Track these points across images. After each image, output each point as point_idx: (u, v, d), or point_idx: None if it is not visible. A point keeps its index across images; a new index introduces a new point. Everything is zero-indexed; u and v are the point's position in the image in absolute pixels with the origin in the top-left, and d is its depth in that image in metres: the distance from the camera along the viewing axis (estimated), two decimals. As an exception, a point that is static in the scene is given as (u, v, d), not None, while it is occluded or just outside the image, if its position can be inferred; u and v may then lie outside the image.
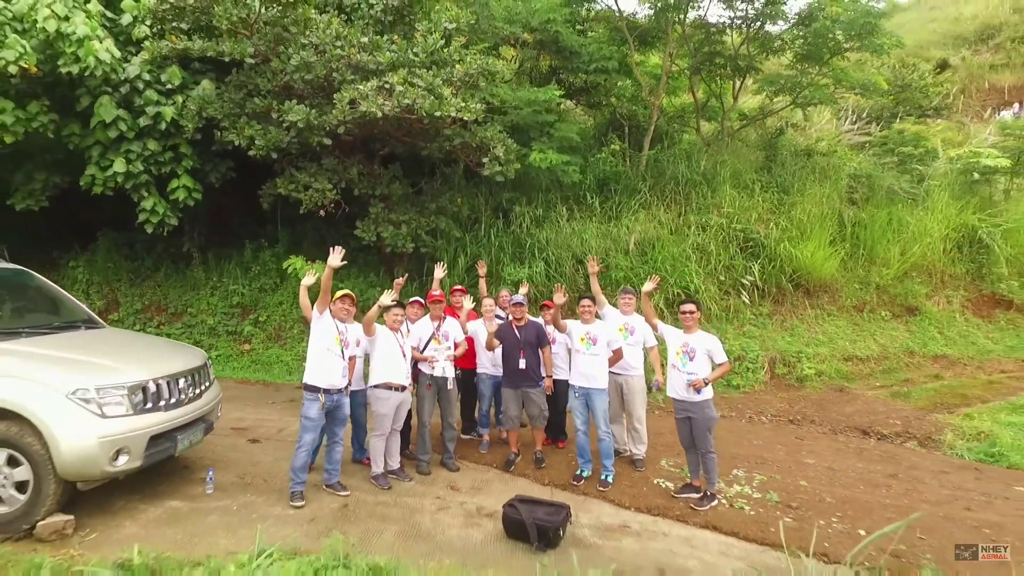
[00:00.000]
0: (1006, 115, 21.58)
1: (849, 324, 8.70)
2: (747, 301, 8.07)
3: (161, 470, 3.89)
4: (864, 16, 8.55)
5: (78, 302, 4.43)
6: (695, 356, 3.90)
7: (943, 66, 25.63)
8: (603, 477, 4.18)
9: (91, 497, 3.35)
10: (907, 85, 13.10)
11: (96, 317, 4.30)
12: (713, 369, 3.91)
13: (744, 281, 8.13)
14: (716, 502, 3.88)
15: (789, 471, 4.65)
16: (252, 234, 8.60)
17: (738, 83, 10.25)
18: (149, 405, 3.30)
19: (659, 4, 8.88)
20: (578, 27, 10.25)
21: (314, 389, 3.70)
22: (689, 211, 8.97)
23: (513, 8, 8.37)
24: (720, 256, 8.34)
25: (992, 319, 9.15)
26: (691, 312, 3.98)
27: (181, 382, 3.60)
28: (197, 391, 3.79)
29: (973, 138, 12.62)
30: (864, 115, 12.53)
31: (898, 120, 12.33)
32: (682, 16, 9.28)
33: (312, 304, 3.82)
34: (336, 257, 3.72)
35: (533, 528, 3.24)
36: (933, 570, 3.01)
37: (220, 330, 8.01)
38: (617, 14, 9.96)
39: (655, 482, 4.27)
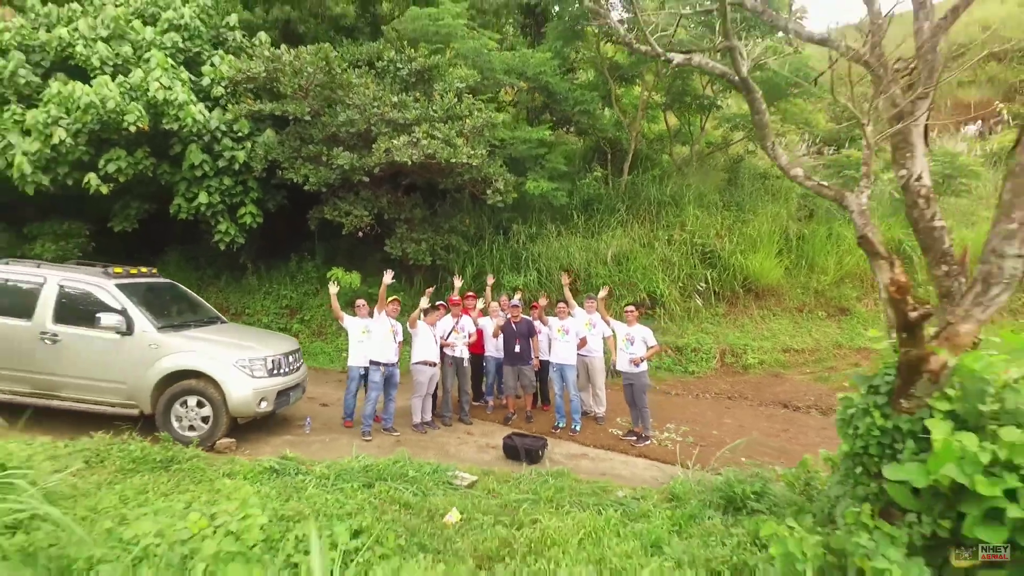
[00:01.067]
0: (969, 131, 23.38)
1: (791, 322, 10.54)
2: (701, 304, 9.91)
3: (274, 419, 5.74)
4: (801, 68, 10.40)
5: (206, 303, 6.30)
6: (634, 342, 5.75)
7: (911, 84, 27.47)
8: (573, 427, 6.04)
9: (243, 430, 5.21)
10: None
11: (219, 314, 6.18)
12: (647, 350, 5.75)
13: (700, 287, 9.97)
14: (648, 442, 5.73)
15: (708, 426, 6.50)
16: (296, 248, 10.45)
17: (703, 117, 12.11)
18: (275, 372, 5.16)
19: (632, 57, 10.71)
20: (568, 68, 12.10)
21: (377, 364, 5.56)
22: (658, 228, 10.83)
23: (511, 61, 10.22)
24: (683, 266, 10.19)
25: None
26: (631, 311, 5.83)
27: (289, 358, 5.47)
28: (296, 365, 5.65)
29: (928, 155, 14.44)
30: (818, 140, 14.35)
31: (847, 145, 14.13)
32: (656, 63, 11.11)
33: (341, 308, 5.70)
34: (388, 277, 5.58)
35: (523, 451, 5.09)
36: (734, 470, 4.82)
37: (273, 327, 9.86)
38: (599, 59, 11.81)
39: (609, 431, 6.13)
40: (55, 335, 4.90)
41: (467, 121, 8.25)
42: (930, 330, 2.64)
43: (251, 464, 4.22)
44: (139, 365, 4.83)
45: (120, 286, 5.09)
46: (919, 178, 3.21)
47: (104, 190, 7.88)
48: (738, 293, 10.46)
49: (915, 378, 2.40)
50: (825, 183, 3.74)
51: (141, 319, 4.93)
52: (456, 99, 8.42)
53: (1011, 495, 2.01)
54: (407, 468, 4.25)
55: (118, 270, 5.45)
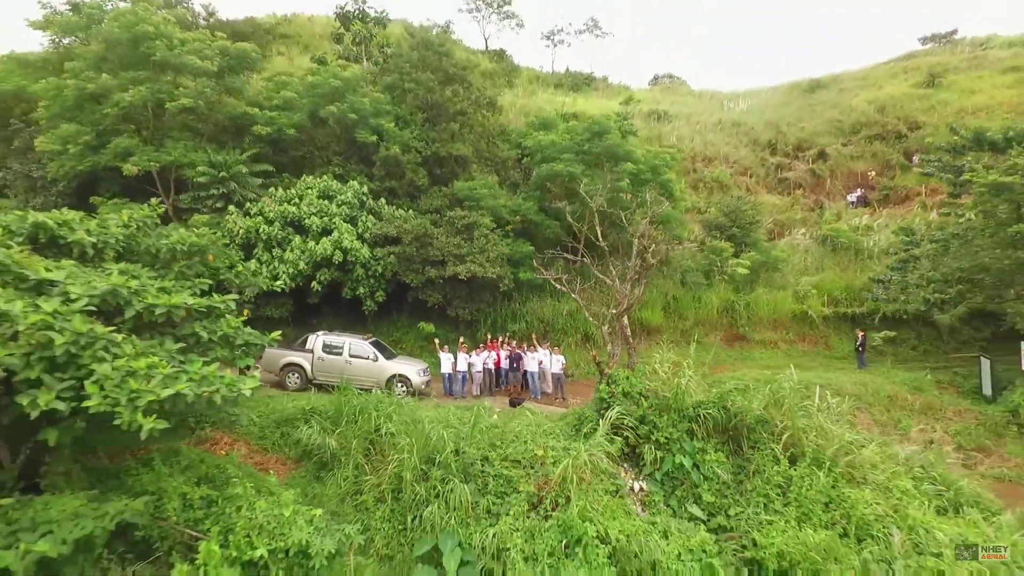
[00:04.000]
0: (851, 198, 32.38)
1: (666, 349, 19.55)
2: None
3: (419, 394, 14.83)
4: (653, 174, 19.37)
5: (389, 347, 15.45)
6: (556, 361, 14.84)
7: (821, 154, 36.60)
8: (534, 396, 15.15)
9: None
10: (734, 211, 23.88)
11: (394, 351, 15.33)
12: (562, 364, 14.83)
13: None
14: (562, 401, 14.83)
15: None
16: (399, 309, 19.53)
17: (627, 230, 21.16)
18: (423, 373, 14.31)
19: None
20: (542, 202, 21.13)
21: (458, 371, 14.69)
22: (595, 294, 19.88)
23: (511, 204, 19.26)
24: (604, 316, 19.26)
25: (733, 346, 20.05)
26: (555, 348, 14.95)
27: (426, 368, 14.61)
28: (427, 371, 14.80)
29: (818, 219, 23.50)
30: (708, 227, 23.36)
31: (724, 234, 23.10)
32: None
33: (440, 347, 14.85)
34: (463, 343, 14.74)
35: (514, 403, 14.22)
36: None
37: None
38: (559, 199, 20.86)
39: (554, 400, 15.22)
40: (349, 361, 13.98)
41: (491, 252, 17.37)
42: (608, 364, 11.74)
43: (432, 402, 13.29)
44: (379, 372, 13.91)
45: (369, 341, 14.20)
46: (625, 325, 12.31)
47: (318, 288, 17.00)
48: (636, 331, 19.50)
49: (603, 376, 11.51)
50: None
51: (376, 354, 14.01)
52: (484, 239, 17.54)
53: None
54: (474, 408, 13.32)
55: (368, 335, 14.56)
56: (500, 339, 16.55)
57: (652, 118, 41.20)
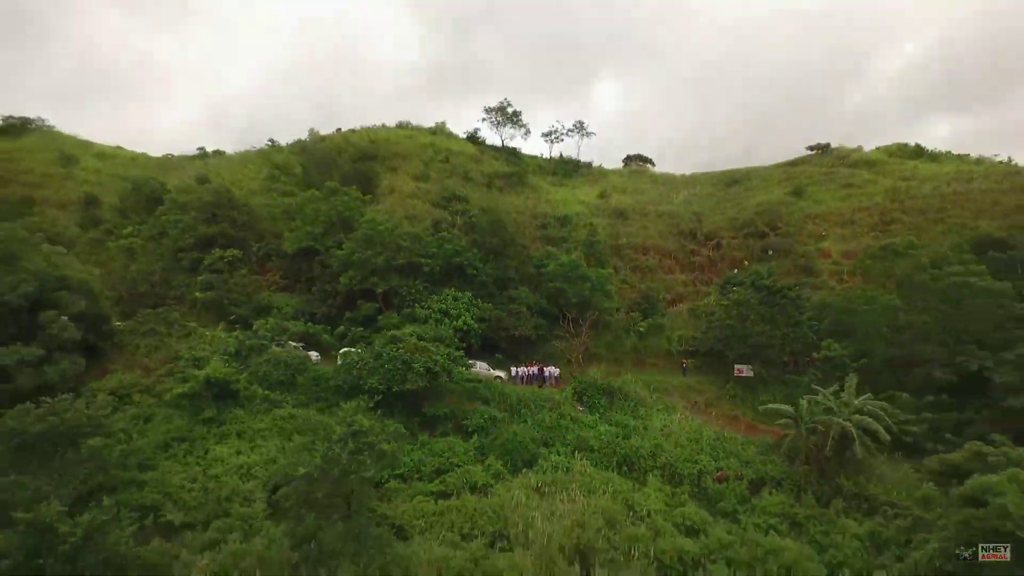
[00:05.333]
0: (735, 272, 55.18)
1: (599, 367, 42.00)
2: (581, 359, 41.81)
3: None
4: (601, 284, 42.02)
5: (490, 364, 37.84)
6: (555, 370, 37.35)
7: (718, 245, 59.51)
8: (548, 385, 37.64)
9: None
10: (646, 295, 46.54)
11: (492, 366, 37.77)
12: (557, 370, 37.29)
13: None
14: (560, 387, 37.33)
15: (572, 386, 38.16)
16: (492, 349, 41.81)
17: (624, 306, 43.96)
18: (505, 375, 36.75)
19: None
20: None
21: (519, 374, 37.16)
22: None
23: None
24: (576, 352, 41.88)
25: (637, 367, 42.54)
26: (555, 365, 37.52)
27: (507, 373, 37.09)
28: (506, 374, 37.28)
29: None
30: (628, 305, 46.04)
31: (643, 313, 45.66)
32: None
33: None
34: (519, 363, 37.32)
35: (540, 386, 36.71)
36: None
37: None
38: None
39: (553, 388, 37.64)
40: (479, 370, 36.26)
41: (526, 324, 39.93)
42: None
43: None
44: (487, 374, 36.09)
45: (483, 362, 36.56)
46: (580, 356, 34.91)
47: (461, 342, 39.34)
48: (588, 358, 41.98)
49: (573, 377, 34.10)
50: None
51: (488, 367, 36.26)
52: (524, 318, 40.07)
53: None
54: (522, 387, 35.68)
55: (483, 360, 36.91)
56: (532, 361, 38.72)
57: (616, 215, 63.89)
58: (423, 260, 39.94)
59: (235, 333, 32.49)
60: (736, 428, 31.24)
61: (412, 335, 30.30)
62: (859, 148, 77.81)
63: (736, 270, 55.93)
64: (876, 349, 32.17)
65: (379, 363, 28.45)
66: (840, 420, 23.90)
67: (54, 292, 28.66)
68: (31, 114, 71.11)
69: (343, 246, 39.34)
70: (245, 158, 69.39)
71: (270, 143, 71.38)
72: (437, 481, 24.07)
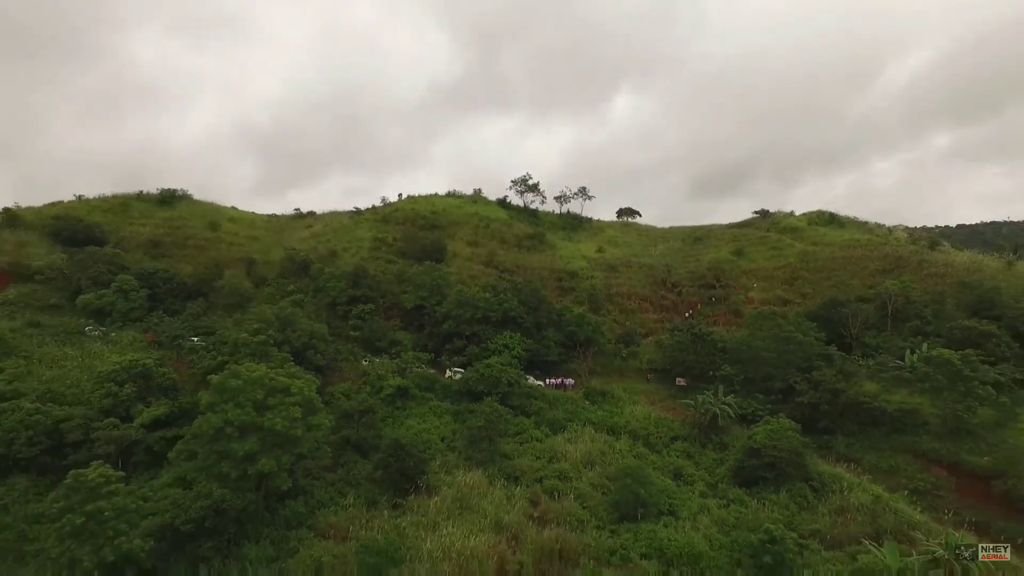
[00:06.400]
0: (687, 315, 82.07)
1: (597, 380, 68.26)
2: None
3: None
4: (581, 319, 68.66)
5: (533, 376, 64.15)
6: (572, 382, 63.68)
7: (680, 292, 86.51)
8: (565, 388, 63.96)
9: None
10: (628, 332, 72.85)
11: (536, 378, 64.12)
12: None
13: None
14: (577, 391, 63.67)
15: (581, 390, 64.51)
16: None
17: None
18: (541, 383, 63.03)
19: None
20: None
21: (553, 382, 63.51)
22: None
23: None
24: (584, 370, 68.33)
25: (623, 379, 69.01)
26: (570, 378, 63.93)
27: (540, 381, 63.41)
28: (540, 382, 63.63)
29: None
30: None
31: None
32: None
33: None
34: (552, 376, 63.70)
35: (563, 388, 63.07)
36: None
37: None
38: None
39: (572, 390, 63.90)
40: (530, 379, 62.29)
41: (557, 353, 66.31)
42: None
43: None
44: (534, 382, 62.15)
45: (531, 374, 62.74)
46: (587, 372, 61.35)
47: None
48: (591, 372, 68.31)
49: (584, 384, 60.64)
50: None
51: (531, 378, 62.31)
52: (556, 348, 66.40)
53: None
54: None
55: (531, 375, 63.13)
56: (558, 375, 64.57)
57: (609, 268, 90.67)
58: (491, 313, 66.07)
59: (395, 360, 58.73)
60: (672, 413, 57.17)
61: (497, 363, 56.33)
62: (791, 213, 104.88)
63: (689, 312, 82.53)
64: (749, 371, 58.33)
65: (482, 377, 54.53)
66: (714, 407, 50.22)
67: (311, 339, 54.91)
68: (172, 185, 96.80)
69: (443, 304, 65.61)
70: (339, 224, 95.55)
71: (356, 211, 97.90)
72: (518, 437, 50.17)
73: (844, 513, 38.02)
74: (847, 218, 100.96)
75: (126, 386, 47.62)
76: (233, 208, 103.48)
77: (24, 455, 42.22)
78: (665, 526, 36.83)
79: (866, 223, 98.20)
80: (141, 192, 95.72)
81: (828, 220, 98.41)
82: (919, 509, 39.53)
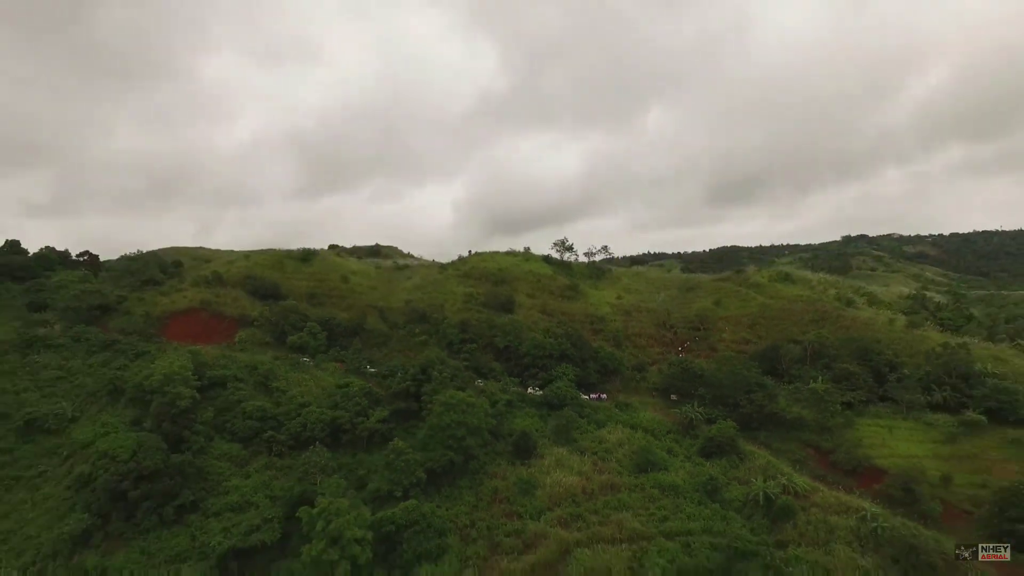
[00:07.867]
0: (680, 349, 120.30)
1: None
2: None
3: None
4: (610, 355, 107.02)
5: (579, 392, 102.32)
6: (603, 396, 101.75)
7: (676, 332, 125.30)
8: (600, 400, 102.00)
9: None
10: (640, 363, 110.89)
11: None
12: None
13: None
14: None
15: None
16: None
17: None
18: (587, 397, 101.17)
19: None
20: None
21: (589, 397, 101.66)
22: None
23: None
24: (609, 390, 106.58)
25: (633, 395, 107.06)
26: (604, 394, 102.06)
27: (586, 396, 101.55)
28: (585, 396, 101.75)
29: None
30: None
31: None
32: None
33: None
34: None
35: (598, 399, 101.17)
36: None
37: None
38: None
39: (605, 401, 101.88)
40: (584, 396, 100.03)
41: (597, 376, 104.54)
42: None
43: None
44: (584, 397, 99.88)
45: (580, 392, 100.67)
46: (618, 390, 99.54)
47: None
48: (615, 390, 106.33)
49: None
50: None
51: (582, 395, 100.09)
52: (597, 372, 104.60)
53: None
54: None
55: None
56: (596, 392, 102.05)
57: (625, 312, 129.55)
58: (553, 351, 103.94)
59: (499, 383, 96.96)
60: (668, 417, 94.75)
61: (561, 385, 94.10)
62: (759, 269, 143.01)
63: (681, 348, 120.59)
64: (715, 391, 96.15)
65: (555, 394, 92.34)
66: (692, 414, 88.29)
67: (454, 372, 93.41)
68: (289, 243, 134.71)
69: (523, 345, 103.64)
70: (433, 277, 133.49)
71: (441, 267, 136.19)
72: (578, 430, 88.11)
73: (753, 470, 75.97)
74: (800, 274, 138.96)
75: (359, 398, 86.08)
76: (356, 260, 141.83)
77: (316, 436, 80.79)
78: (662, 473, 74.89)
79: (810, 280, 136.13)
80: (290, 251, 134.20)
81: (784, 277, 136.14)
82: (797, 470, 77.42)
